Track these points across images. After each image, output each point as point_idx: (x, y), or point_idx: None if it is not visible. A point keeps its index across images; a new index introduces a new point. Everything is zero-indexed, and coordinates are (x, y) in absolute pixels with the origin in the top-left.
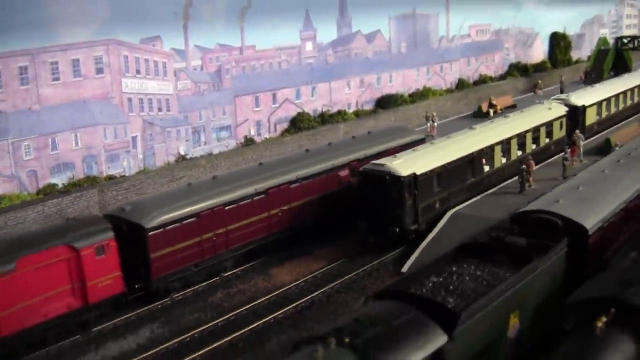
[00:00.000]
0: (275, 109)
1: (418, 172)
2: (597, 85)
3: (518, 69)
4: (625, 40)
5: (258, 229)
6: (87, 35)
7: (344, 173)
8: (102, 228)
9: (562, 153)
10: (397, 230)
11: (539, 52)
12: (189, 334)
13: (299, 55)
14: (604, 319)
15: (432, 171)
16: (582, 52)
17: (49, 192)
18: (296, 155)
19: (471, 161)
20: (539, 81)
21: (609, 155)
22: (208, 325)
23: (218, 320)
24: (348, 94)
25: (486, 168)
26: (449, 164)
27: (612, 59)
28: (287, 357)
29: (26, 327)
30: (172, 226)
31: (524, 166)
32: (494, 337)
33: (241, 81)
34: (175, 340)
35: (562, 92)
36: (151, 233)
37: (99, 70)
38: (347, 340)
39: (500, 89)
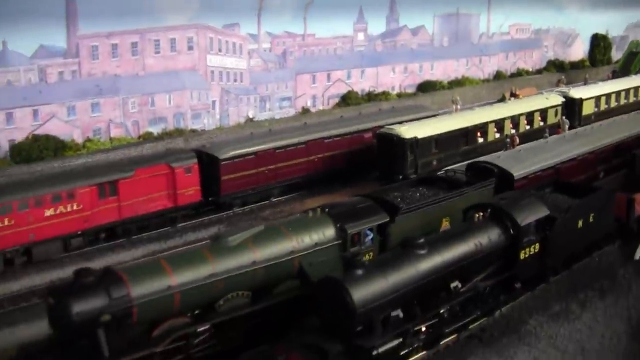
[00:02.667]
0: (328, 86)
1: (419, 136)
2: (601, 83)
3: (555, 65)
4: None
5: (299, 169)
6: (183, 20)
7: (367, 135)
8: (190, 156)
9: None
10: (400, 177)
11: (579, 52)
12: None
13: (351, 44)
14: (481, 213)
15: (431, 137)
16: None
17: (146, 138)
18: (333, 119)
19: (465, 133)
20: (562, 77)
21: (562, 133)
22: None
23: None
24: (393, 78)
25: (480, 140)
26: (446, 132)
27: None
28: (289, 218)
29: (137, 215)
30: (237, 159)
31: (508, 140)
32: (429, 230)
33: (302, 62)
34: None
35: None
36: (223, 162)
37: (190, 48)
38: (327, 210)
39: (535, 82)
